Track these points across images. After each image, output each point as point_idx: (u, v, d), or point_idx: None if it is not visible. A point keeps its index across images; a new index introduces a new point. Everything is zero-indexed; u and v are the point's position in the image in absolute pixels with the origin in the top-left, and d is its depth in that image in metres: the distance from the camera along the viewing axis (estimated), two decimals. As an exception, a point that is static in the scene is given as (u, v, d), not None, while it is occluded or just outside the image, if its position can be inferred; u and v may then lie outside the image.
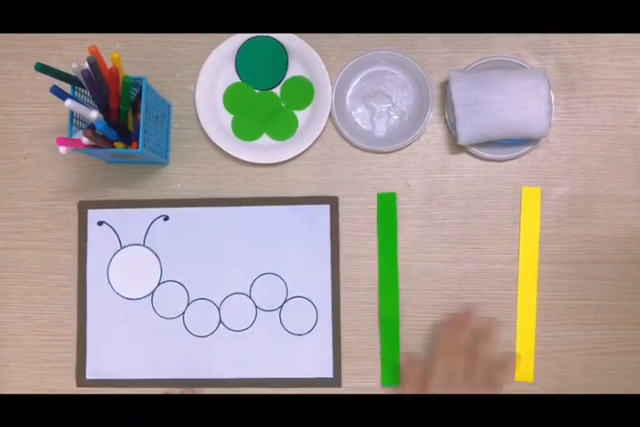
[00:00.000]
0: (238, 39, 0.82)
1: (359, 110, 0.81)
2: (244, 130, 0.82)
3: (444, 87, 0.79)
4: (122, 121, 0.72)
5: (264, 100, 0.82)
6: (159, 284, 0.80)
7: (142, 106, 0.71)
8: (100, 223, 0.81)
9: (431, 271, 0.79)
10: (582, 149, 0.78)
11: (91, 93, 0.70)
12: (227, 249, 0.80)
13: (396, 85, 0.81)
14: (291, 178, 0.81)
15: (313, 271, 0.79)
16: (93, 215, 0.81)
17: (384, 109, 0.81)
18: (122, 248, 0.81)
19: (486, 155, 0.78)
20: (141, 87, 0.72)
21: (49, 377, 0.81)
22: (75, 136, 0.71)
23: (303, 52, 0.81)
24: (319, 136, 0.79)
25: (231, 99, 0.82)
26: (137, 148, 0.71)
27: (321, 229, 0.80)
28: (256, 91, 0.82)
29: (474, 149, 0.78)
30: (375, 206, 0.80)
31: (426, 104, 0.79)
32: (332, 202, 0.80)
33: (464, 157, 0.80)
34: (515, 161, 0.79)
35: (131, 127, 0.74)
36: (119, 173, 0.82)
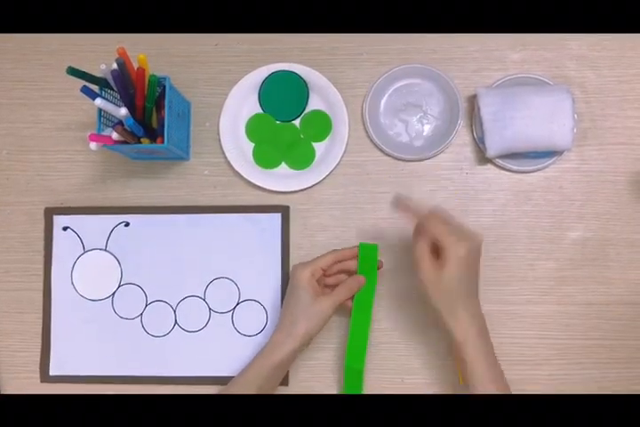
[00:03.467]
0: (263, 72, 0.88)
1: (393, 125, 0.87)
2: (264, 158, 0.87)
3: (470, 99, 0.86)
4: (146, 118, 0.79)
5: (284, 131, 0.88)
6: (119, 286, 0.87)
7: (166, 103, 0.78)
8: (64, 228, 0.87)
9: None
10: (595, 195, 0.85)
11: (118, 92, 0.76)
12: (183, 254, 0.87)
13: (423, 95, 0.87)
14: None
15: (264, 276, 0.86)
16: (59, 221, 0.88)
17: (417, 118, 0.87)
18: (85, 252, 0.88)
19: (514, 167, 0.84)
20: (163, 86, 0.79)
21: (14, 373, 0.87)
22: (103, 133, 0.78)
23: (323, 87, 0.87)
24: (338, 164, 0.86)
25: (253, 128, 0.88)
26: (162, 143, 0.78)
27: (272, 236, 0.86)
28: (277, 122, 0.88)
29: (500, 162, 0.84)
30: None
31: (455, 108, 0.85)
32: (284, 211, 0.86)
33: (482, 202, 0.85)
34: (530, 205, 0.84)
35: (154, 124, 0.81)
36: (87, 178, 0.89)
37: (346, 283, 0.78)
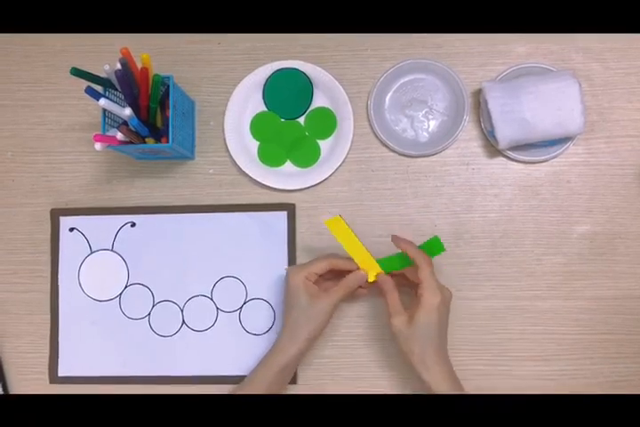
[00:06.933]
0: (267, 70, 0.90)
1: (399, 121, 0.88)
2: (269, 156, 0.89)
3: (475, 94, 0.87)
4: (151, 118, 0.81)
5: (289, 129, 0.90)
6: (126, 286, 0.89)
7: (170, 103, 0.80)
8: (71, 229, 0.89)
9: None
10: (603, 188, 0.86)
11: (123, 92, 0.78)
12: (190, 253, 0.89)
13: (428, 90, 0.88)
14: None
15: (271, 274, 0.88)
16: (65, 222, 0.90)
17: (422, 114, 0.88)
18: (92, 253, 0.90)
19: (526, 158, 0.85)
20: (167, 86, 0.81)
21: (23, 375, 0.89)
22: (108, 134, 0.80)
23: (328, 84, 0.89)
24: (344, 160, 0.87)
25: (257, 126, 0.89)
26: (167, 143, 0.80)
27: (278, 234, 0.88)
28: (281, 120, 0.89)
29: (511, 153, 0.85)
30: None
31: (461, 102, 0.86)
32: (290, 208, 0.88)
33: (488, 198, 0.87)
34: (537, 200, 0.85)
35: (159, 124, 0.83)
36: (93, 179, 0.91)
37: (345, 280, 0.79)
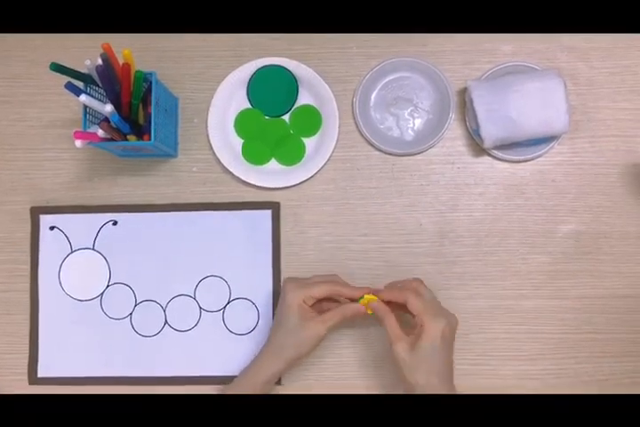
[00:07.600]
0: (251, 66, 0.89)
1: (384, 119, 0.88)
2: (254, 154, 0.88)
3: (460, 92, 0.87)
4: (133, 115, 0.79)
5: (273, 127, 0.89)
6: (108, 286, 0.88)
7: (152, 99, 0.79)
8: (51, 228, 0.88)
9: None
10: (587, 188, 0.86)
11: (104, 88, 0.77)
12: (172, 252, 0.88)
13: (413, 88, 0.88)
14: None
15: (255, 274, 0.87)
16: (45, 220, 0.88)
17: (407, 112, 0.87)
18: (72, 252, 0.89)
19: (512, 157, 0.85)
20: (150, 82, 0.80)
21: (1, 376, 0.88)
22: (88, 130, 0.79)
23: (313, 81, 0.88)
24: (329, 158, 0.87)
25: (242, 124, 0.89)
26: (149, 140, 0.78)
27: (263, 232, 0.87)
28: (266, 117, 0.89)
29: (496, 152, 0.85)
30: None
31: (446, 101, 0.86)
32: (274, 207, 0.87)
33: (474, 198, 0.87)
34: (522, 199, 0.85)
35: (141, 121, 0.82)
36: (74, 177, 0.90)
37: (341, 308, 0.77)
